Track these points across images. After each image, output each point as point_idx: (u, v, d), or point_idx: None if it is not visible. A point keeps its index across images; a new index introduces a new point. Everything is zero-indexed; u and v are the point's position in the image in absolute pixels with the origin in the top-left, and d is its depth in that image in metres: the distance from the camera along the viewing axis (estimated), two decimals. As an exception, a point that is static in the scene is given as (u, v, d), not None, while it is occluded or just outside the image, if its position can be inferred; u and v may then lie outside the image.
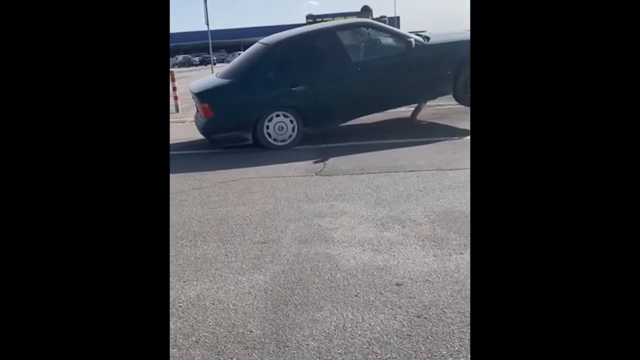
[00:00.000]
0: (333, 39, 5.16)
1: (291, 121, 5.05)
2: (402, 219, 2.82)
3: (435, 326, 1.76)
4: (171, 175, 4.26)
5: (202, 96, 5.01)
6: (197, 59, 46.19)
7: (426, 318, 1.81)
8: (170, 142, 5.76)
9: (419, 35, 5.59)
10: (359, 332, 1.76)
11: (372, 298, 1.98)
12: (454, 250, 2.37)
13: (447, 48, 5.31)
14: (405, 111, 6.44)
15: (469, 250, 2.34)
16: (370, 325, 1.80)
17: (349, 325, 1.80)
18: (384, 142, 4.98)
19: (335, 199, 3.31)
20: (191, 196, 3.64)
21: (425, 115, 6.33)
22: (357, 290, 2.05)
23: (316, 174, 4.02)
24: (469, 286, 2.01)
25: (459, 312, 1.83)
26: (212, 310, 1.99)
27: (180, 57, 46.46)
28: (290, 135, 5.08)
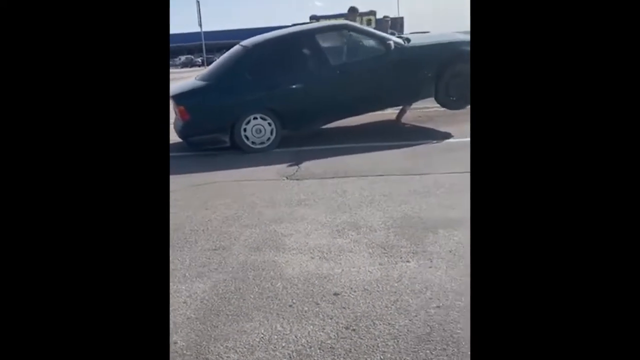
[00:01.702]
0: (312, 42, 5.12)
1: (269, 124, 5.01)
2: (358, 225, 2.78)
3: (361, 338, 1.71)
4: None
5: (179, 99, 4.98)
6: (199, 59, 46.34)
7: (354, 330, 1.77)
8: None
9: (400, 37, 5.54)
10: (283, 345, 1.72)
11: (306, 308, 1.94)
12: (401, 258, 2.32)
13: (428, 50, 5.25)
14: (391, 113, 6.39)
15: (416, 259, 2.30)
16: (296, 337, 1.75)
17: (275, 337, 1.76)
18: (364, 145, 4.92)
19: (299, 204, 3.27)
20: (157, 200, 3.61)
21: (411, 118, 6.27)
22: (293, 300, 2.01)
23: (287, 178, 3.98)
24: (406, 297, 1.97)
25: (388, 324, 1.79)
26: (144, 320, 1.96)
27: (182, 58, 46.61)
28: (269, 138, 5.04)
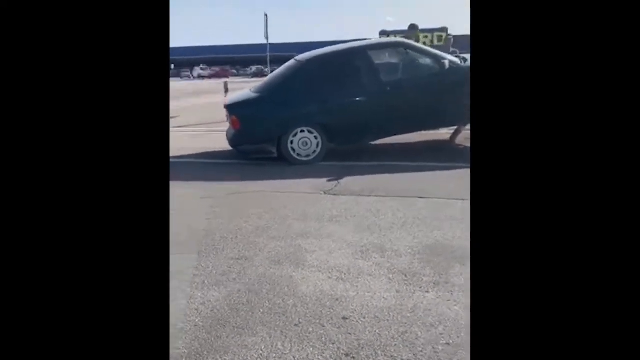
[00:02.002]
0: (364, 58, 5.12)
1: (315, 137, 5.04)
2: (384, 248, 2.70)
3: (359, 369, 1.65)
4: (188, 183, 4.43)
5: (231, 108, 5.16)
6: (267, 70, 47.85)
7: (354, 358, 1.71)
8: (203, 150, 6.00)
9: (457, 56, 5.39)
10: (279, 365, 1.69)
11: (311, 330, 1.90)
12: (420, 287, 2.22)
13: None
14: (445, 133, 6.21)
15: (436, 289, 2.19)
16: (293, 358, 1.72)
17: (273, 355, 1.74)
18: (412, 165, 4.82)
19: (330, 220, 3.24)
20: (196, 205, 3.73)
21: (465, 139, 6.06)
22: (300, 320, 1.98)
23: (324, 193, 3.97)
24: (416, 329, 1.88)
25: (391, 356, 1.71)
26: (155, 323, 2.01)
27: (253, 68, 48.27)
28: (314, 151, 5.07)
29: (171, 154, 5.82)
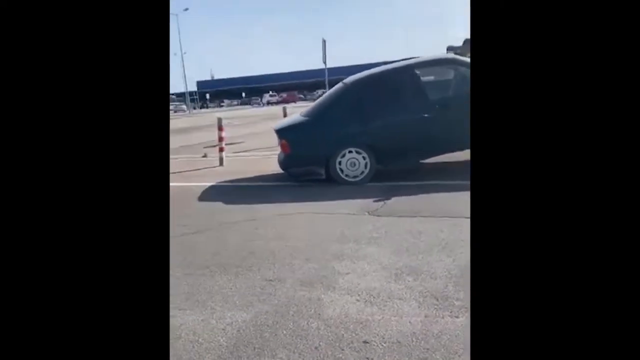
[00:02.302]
0: (411, 76, 5.07)
1: (363, 157, 5.04)
2: (420, 271, 2.62)
3: (372, 396, 1.60)
4: (235, 206, 4.59)
5: (281, 133, 5.30)
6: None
7: (368, 384, 1.66)
8: (257, 174, 6.19)
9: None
10: (292, 388, 1.68)
11: (329, 353, 1.88)
12: (451, 312, 2.12)
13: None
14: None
15: (467, 315, 2.08)
16: (307, 382, 1.71)
17: (288, 378, 1.74)
18: (462, 184, 4.64)
19: (368, 241, 3.20)
20: (242, 227, 3.85)
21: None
22: (320, 343, 1.96)
23: (368, 213, 3.93)
24: (437, 355, 1.79)
25: (406, 384, 1.64)
26: (182, 339, 2.09)
27: (319, 92, 49.41)
28: (362, 172, 5.06)
29: (226, 178, 6.10)
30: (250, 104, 53.68)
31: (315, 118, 5.30)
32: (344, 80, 5.56)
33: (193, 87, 67.64)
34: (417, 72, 5.09)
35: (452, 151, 5.21)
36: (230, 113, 33.48)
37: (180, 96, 56.50)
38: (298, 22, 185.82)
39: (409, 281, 2.50)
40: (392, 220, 3.70)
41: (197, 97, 58.03)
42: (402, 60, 5.82)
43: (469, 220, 3.50)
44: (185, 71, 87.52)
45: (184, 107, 50.11)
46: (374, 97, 5.09)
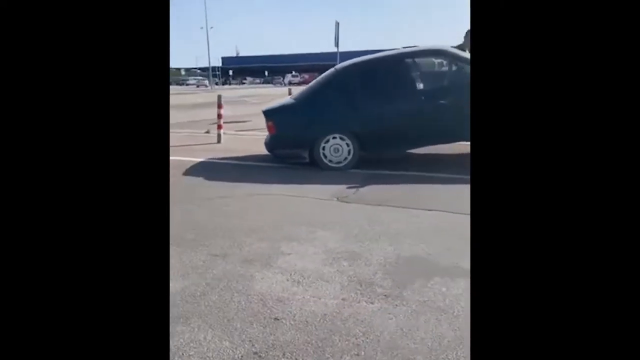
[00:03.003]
0: (400, 66, 5.06)
1: (347, 144, 5.08)
2: (358, 257, 2.68)
3: (259, 367, 1.70)
4: (214, 183, 4.70)
5: (268, 114, 5.37)
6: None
7: (260, 357, 1.76)
8: (248, 154, 6.28)
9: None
10: (197, 353, 1.80)
11: (238, 326, 1.97)
12: (368, 298, 2.19)
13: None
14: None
15: (382, 302, 2.15)
16: (206, 349, 1.81)
17: (191, 345, 1.84)
18: (446, 177, 4.65)
19: (324, 226, 3.27)
20: (213, 203, 3.96)
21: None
22: (234, 316, 2.06)
23: (337, 199, 4.00)
24: (335, 337, 1.87)
25: (295, 359, 1.73)
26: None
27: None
28: (345, 158, 5.11)
29: (218, 155, 6.21)
30: (272, 83, 53.68)
31: (302, 102, 5.34)
32: (336, 66, 5.58)
33: (218, 63, 67.94)
34: (407, 62, 5.07)
35: (437, 143, 5.21)
36: (250, 91, 33.58)
37: (205, 71, 56.84)
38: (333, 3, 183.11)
39: (343, 265, 2.58)
40: (357, 207, 3.76)
41: (220, 73, 58.22)
42: (395, 49, 5.79)
43: (431, 212, 3.51)
44: (209, 46, 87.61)
45: (207, 82, 50.43)
46: (361, 85, 5.10)
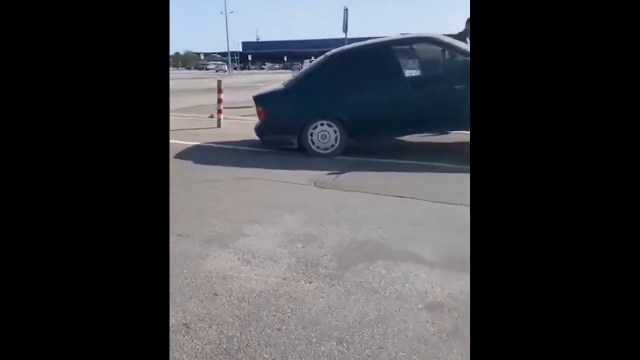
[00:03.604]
0: (387, 54, 5.07)
1: (335, 131, 5.14)
2: (315, 240, 2.78)
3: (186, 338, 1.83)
4: (203, 166, 4.84)
5: (258, 100, 5.46)
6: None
7: (189, 329, 1.88)
8: (246, 138, 6.39)
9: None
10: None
11: (177, 300, 2.09)
12: (308, 278, 2.29)
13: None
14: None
15: (319, 283, 2.25)
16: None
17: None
18: (435, 165, 4.66)
19: (292, 210, 3.37)
20: (194, 186, 4.09)
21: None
22: (175, 290, 2.18)
23: (315, 185, 4.08)
24: (262, 312, 1.98)
25: (220, 331, 1.85)
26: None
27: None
28: (333, 145, 5.17)
29: (215, 140, 6.34)
30: (291, 69, 53.62)
31: (292, 88, 5.42)
32: (327, 53, 5.61)
33: (239, 48, 68.09)
34: (394, 49, 5.07)
35: (423, 132, 5.24)
36: (268, 77, 33.65)
37: (226, 56, 57.19)
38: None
39: (297, 248, 2.68)
40: (331, 192, 3.84)
41: (238, 58, 58.49)
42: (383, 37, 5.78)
43: (402, 199, 3.57)
44: (230, 31, 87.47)
45: (226, 67, 50.73)
46: (350, 72, 5.14)
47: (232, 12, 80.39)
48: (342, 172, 4.50)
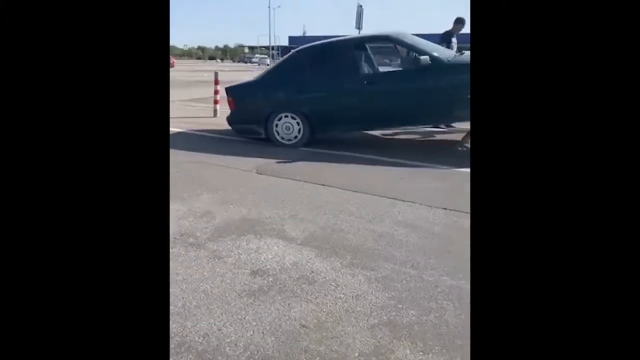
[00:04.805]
0: (348, 52, 5.27)
1: (298, 123, 5.42)
2: (208, 215, 3.09)
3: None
4: (174, 151, 5.24)
5: (229, 90, 5.82)
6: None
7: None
8: (228, 127, 6.77)
9: (461, 52, 5.16)
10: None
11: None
12: (185, 247, 2.61)
13: (468, 69, 4.79)
14: (459, 133, 5.97)
15: (180, 249, 2.56)
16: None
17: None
18: (394, 161, 4.80)
19: (215, 191, 3.69)
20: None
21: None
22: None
23: (256, 171, 4.39)
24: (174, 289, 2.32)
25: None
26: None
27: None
28: (296, 136, 5.46)
29: (200, 127, 6.75)
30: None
31: (261, 81, 5.74)
32: (297, 48, 5.88)
33: (286, 42, 69.07)
34: (356, 47, 5.27)
35: (379, 129, 5.40)
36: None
37: (272, 49, 58.43)
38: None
39: (188, 221, 3.00)
40: (264, 178, 4.14)
41: (280, 52, 59.34)
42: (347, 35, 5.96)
43: (323, 187, 3.87)
44: (274, 25, 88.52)
45: (268, 60, 51.79)
46: (313, 67, 5.39)
47: (279, 6, 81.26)
48: (291, 161, 4.78)
